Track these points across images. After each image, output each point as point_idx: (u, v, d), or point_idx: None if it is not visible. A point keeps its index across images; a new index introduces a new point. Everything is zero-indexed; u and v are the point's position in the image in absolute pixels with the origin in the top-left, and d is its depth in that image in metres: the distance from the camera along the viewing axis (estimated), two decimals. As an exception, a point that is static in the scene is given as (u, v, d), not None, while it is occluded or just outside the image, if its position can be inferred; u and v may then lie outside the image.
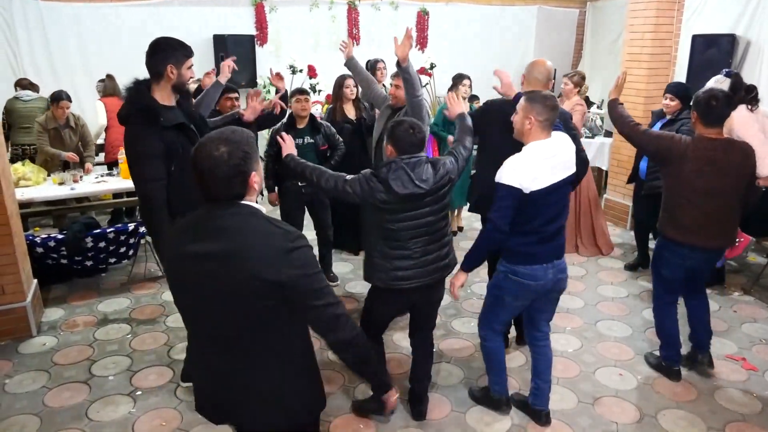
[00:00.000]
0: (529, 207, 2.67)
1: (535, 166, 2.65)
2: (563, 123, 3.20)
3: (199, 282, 1.70)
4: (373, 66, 5.74)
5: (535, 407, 3.17)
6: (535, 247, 2.76)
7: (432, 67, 8.65)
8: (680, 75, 6.20)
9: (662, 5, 5.99)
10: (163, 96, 2.87)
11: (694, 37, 5.98)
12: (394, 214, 2.69)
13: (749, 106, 3.85)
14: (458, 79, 5.72)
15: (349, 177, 2.72)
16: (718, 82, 3.89)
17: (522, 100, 2.70)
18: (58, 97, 5.60)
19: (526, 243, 2.75)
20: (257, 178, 1.73)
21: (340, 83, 5.01)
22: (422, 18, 9.06)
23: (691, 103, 3.40)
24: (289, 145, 2.90)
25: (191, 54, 2.93)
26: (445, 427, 3.16)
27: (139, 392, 3.43)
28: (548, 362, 3.12)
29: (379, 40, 8.77)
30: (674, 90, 4.53)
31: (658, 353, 3.72)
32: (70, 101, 5.70)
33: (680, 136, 3.33)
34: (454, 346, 3.97)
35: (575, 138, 3.90)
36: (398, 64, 3.50)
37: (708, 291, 4.76)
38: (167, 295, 4.71)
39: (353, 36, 8.65)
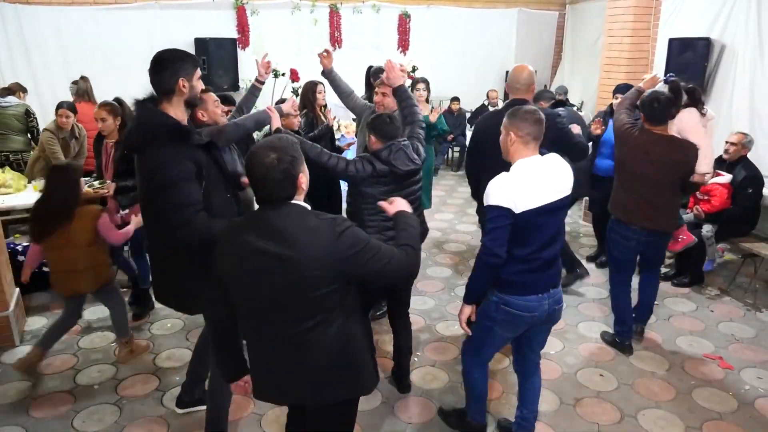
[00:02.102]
0: (521, 230, 2.50)
1: (523, 184, 2.49)
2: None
3: (260, 277, 1.90)
4: (375, 73, 5.70)
5: None
6: (529, 276, 2.58)
7: (414, 70, 8.71)
8: (658, 78, 6.32)
9: (639, 10, 6.12)
10: (178, 113, 2.56)
11: (671, 41, 6.10)
12: (390, 185, 3.02)
13: (700, 109, 4.14)
14: (413, 84, 5.85)
15: (350, 159, 3.05)
16: (661, 88, 4.06)
17: (505, 118, 2.62)
18: (59, 106, 5.44)
19: (519, 271, 2.57)
20: (304, 178, 1.96)
21: (312, 89, 4.86)
22: (404, 21, 9.12)
23: (638, 104, 3.75)
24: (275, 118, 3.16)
25: (198, 64, 2.69)
26: (430, 430, 3.20)
27: (124, 401, 3.43)
28: (536, 393, 2.98)
29: (361, 43, 8.81)
30: (623, 89, 4.85)
31: (612, 331, 4.10)
32: (73, 111, 5.51)
33: (634, 126, 3.71)
34: (439, 350, 4.01)
35: (566, 136, 3.89)
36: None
37: (686, 291, 4.94)
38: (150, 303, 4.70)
39: (335, 39, 8.68)
